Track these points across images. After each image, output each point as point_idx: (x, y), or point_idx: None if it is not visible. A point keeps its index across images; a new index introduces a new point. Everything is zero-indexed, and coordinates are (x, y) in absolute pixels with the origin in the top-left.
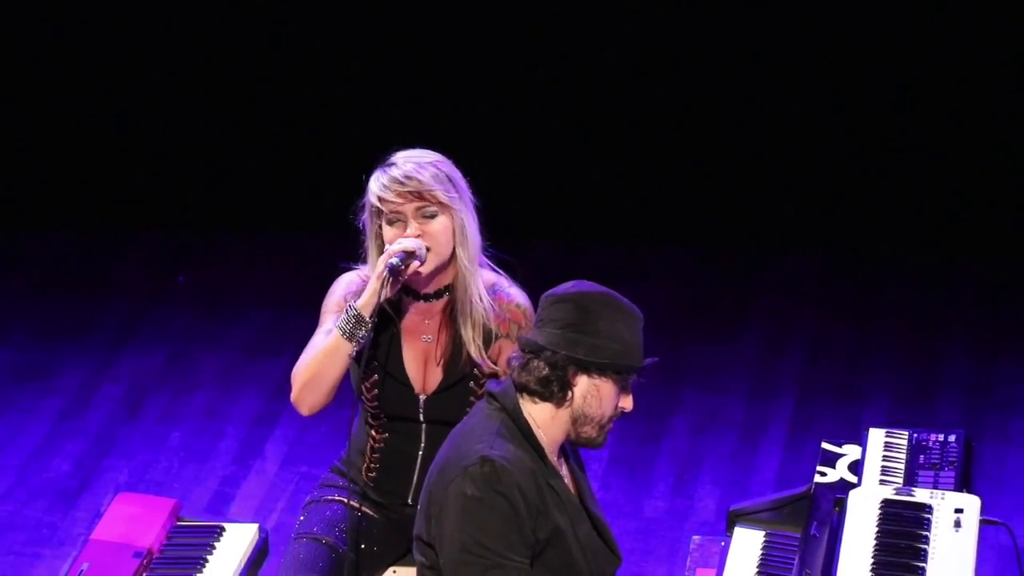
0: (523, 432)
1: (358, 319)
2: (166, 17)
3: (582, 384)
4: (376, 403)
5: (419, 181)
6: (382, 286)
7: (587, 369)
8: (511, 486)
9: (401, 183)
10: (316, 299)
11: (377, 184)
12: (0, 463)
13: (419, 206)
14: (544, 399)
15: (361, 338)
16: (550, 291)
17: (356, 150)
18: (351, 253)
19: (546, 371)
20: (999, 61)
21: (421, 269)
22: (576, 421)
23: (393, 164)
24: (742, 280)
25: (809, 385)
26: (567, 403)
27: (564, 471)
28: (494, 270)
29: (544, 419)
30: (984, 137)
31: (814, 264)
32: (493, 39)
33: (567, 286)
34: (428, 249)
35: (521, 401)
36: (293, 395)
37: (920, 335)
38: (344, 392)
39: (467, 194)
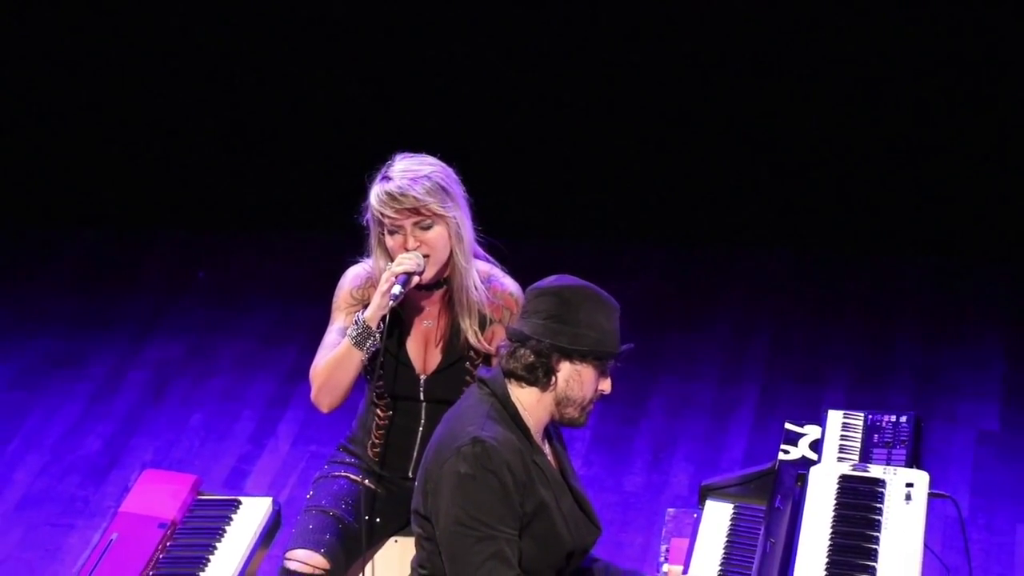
0: (511, 415)
1: (367, 331)
2: (195, 30)
3: (565, 370)
4: (381, 383)
5: (414, 197)
6: (387, 304)
7: (569, 356)
8: (500, 464)
9: (398, 200)
10: (322, 292)
11: (376, 199)
12: (37, 442)
13: (416, 220)
14: (530, 384)
15: (371, 347)
16: (534, 285)
17: (358, 158)
18: (354, 250)
19: (532, 359)
20: (948, 60)
21: (422, 280)
22: (560, 403)
23: (390, 178)
24: (711, 276)
25: (773, 371)
26: (551, 387)
27: (547, 450)
28: (489, 261)
29: (530, 402)
30: (930, 140)
31: (777, 261)
32: (473, 43)
33: (550, 280)
34: (426, 257)
35: (509, 386)
36: (312, 395)
37: (874, 326)
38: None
39: (461, 198)
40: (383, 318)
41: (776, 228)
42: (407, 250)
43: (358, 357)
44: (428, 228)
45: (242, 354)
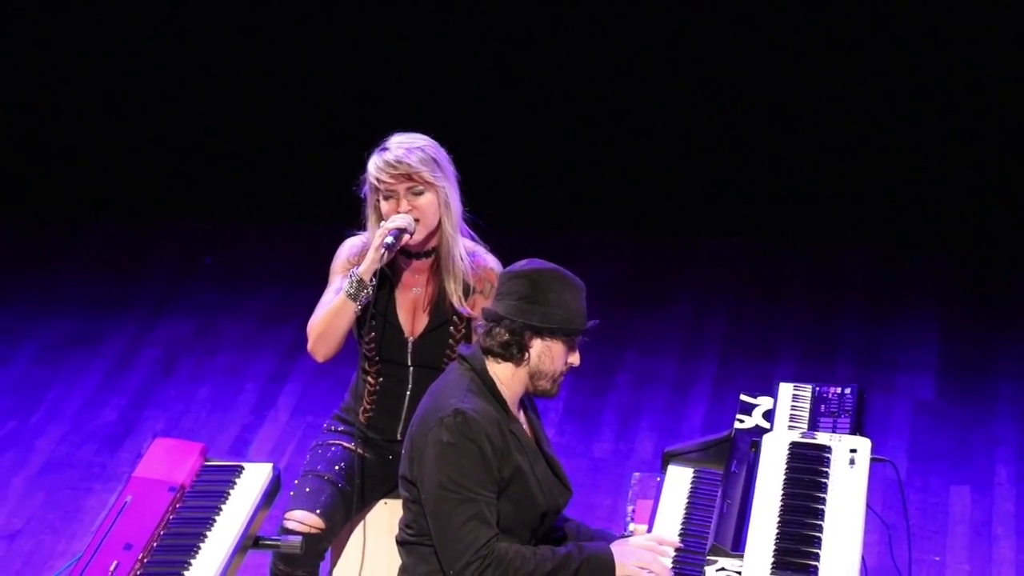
0: (489, 388)
1: (360, 283)
2: (203, 28)
3: (537, 346)
4: (373, 346)
5: (408, 164)
6: (380, 257)
7: (540, 334)
8: (479, 433)
9: (393, 166)
10: (318, 277)
11: (374, 166)
12: (58, 413)
13: (409, 186)
14: (505, 360)
15: (363, 299)
16: (507, 268)
17: (352, 155)
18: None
19: (506, 337)
20: (890, 52)
21: (411, 240)
22: (533, 376)
23: (387, 149)
24: (673, 262)
25: (729, 348)
26: (525, 362)
27: (523, 419)
28: (474, 239)
29: (506, 376)
30: (870, 136)
31: (733, 249)
32: (453, 38)
33: (521, 264)
34: (417, 221)
35: (487, 362)
36: (309, 346)
37: (820, 307)
38: (345, 355)
39: (451, 172)
40: (375, 273)
41: (732, 218)
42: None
43: (352, 309)
44: (420, 194)
45: (244, 333)
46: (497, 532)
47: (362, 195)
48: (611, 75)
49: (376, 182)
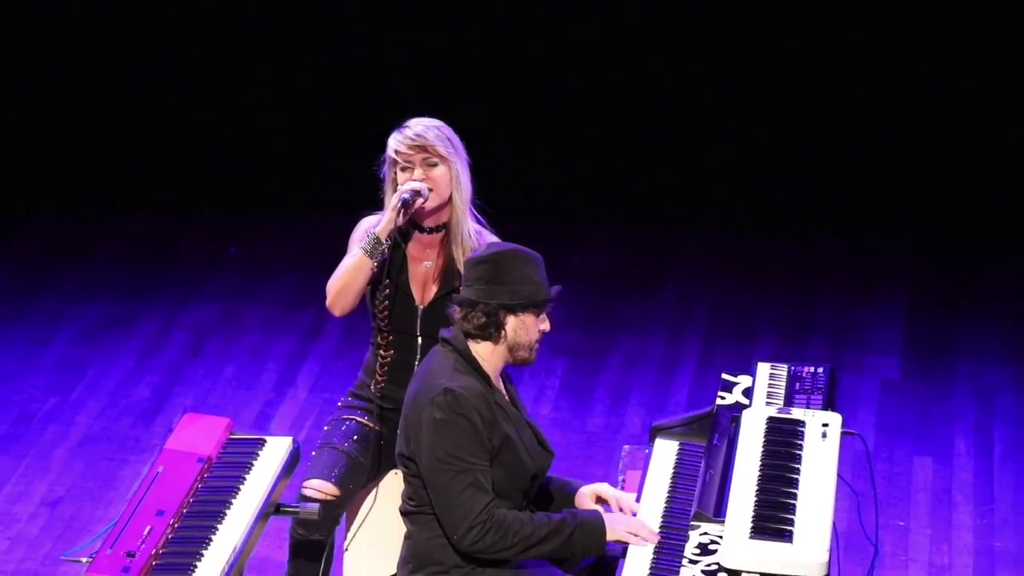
0: (472, 366)
1: (377, 240)
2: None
3: (511, 322)
4: (386, 314)
5: (425, 138)
6: (396, 215)
7: (513, 310)
8: (469, 408)
9: (411, 139)
10: (334, 265)
11: (394, 140)
12: (96, 390)
13: (424, 157)
14: (484, 339)
15: (380, 255)
16: (470, 255)
17: (368, 151)
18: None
19: (483, 319)
20: (861, 46)
21: (425, 205)
22: (512, 349)
23: (407, 126)
24: (660, 251)
25: (712, 330)
26: (503, 339)
27: (503, 390)
28: (479, 222)
29: (487, 353)
30: (847, 130)
31: (715, 238)
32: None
33: (481, 249)
34: (430, 190)
35: (469, 342)
36: (328, 302)
37: (796, 293)
38: (358, 338)
39: (462, 153)
40: (390, 234)
41: (716, 211)
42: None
43: (368, 265)
44: (434, 166)
45: (267, 317)
46: (493, 497)
47: (381, 175)
48: (601, 69)
49: (394, 154)
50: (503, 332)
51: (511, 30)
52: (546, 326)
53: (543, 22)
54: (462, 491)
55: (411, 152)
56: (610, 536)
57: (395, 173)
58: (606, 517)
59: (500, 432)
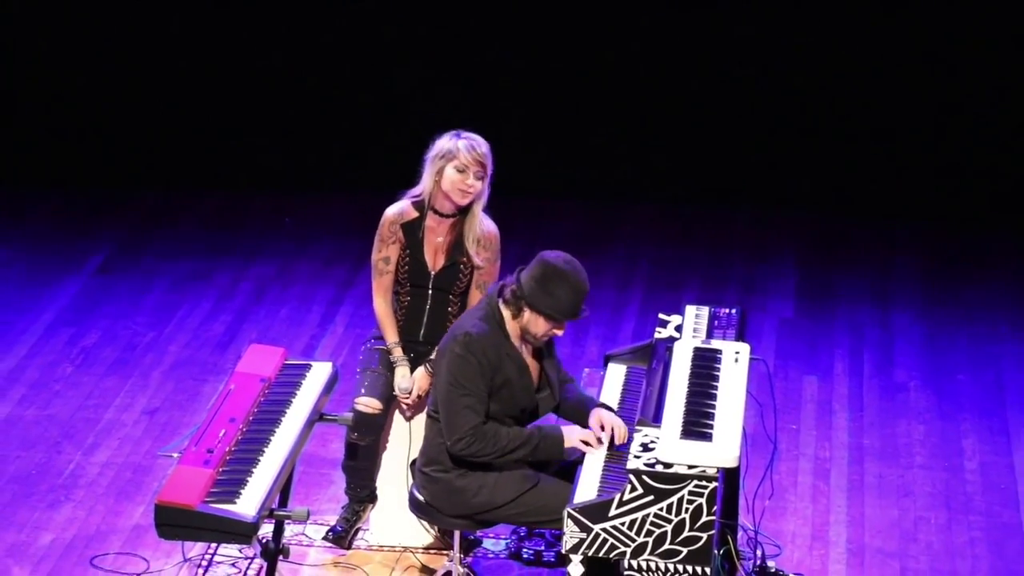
0: (497, 321)
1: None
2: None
3: (527, 313)
4: (406, 272)
5: (486, 155)
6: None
7: (531, 307)
8: (479, 350)
9: (479, 156)
10: (365, 232)
11: (464, 144)
12: (184, 326)
13: (477, 170)
14: (508, 308)
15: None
16: (547, 253)
17: (395, 136)
18: (391, 199)
19: (511, 297)
20: (822, 36)
21: (457, 206)
22: (523, 330)
23: (471, 139)
24: (612, 220)
25: (652, 281)
26: (520, 318)
27: (525, 352)
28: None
29: (509, 319)
30: (755, 109)
31: (652, 211)
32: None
33: (555, 254)
34: (471, 195)
35: (500, 302)
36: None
37: (716, 253)
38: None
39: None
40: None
41: (658, 187)
42: (466, 187)
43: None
44: (481, 179)
45: (312, 271)
46: (485, 419)
47: (425, 158)
48: (572, 57)
49: (458, 153)
50: (522, 316)
51: (486, 15)
52: (559, 332)
53: (517, 6)
54: (460, 410)
55: (474, 164)
56: (567, 443)
57: (444, 166)
58: (564, 430)
59: (503, 374)
